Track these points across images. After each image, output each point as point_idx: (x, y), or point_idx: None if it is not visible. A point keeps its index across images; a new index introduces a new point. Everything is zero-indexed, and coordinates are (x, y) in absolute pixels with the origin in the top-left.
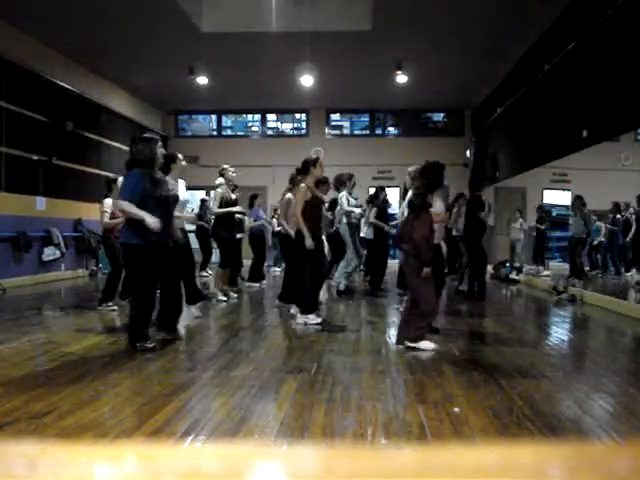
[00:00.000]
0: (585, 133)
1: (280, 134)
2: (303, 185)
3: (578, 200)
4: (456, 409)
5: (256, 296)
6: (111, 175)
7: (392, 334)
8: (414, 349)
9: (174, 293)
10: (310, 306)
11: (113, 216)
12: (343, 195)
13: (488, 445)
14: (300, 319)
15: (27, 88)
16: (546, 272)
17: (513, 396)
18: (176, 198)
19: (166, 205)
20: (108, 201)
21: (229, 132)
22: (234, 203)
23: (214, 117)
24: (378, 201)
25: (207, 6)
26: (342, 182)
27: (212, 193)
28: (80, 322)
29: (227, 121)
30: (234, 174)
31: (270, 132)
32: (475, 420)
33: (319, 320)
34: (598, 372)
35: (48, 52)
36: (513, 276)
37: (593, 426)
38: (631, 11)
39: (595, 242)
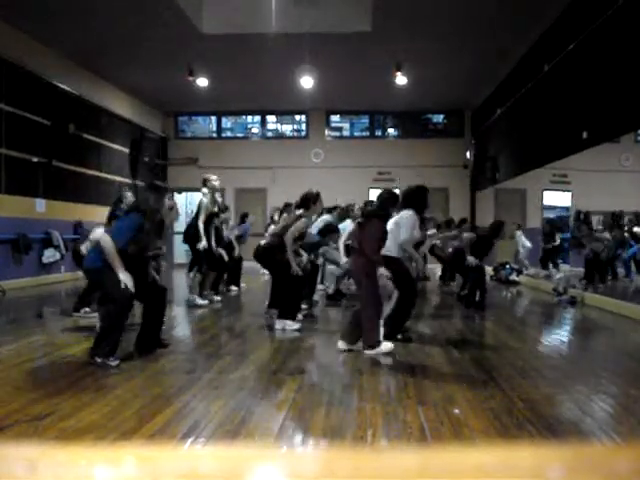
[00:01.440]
0: (585, 134)
1: (280, 136)
2: (304, 219)
3: (614, 220)
4: (456, 410)
5: (255, 299)
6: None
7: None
8: (376, 356)
9: (156, 313)
10: (288, 312)
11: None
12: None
13: (488, 446)
14: (278, 324)
15: (26, 89)
16: (559, 275)
17: (513, 397)
18: (157, 256)
19: (143, 263)
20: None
21: (229, 134)
22: (216, 215)
23: (214, 118)
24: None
25: (207, 7)
26: (348, 210)
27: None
28: (80, 324)
29: (227, 122)
30: (217, 182)
31: (270, 134)
32: (475, 421)
33: (298, 326)
34: (598, 373)
35: (48, 53)
36: (513, 277)
37: (593, 427)
38: (631, 11)
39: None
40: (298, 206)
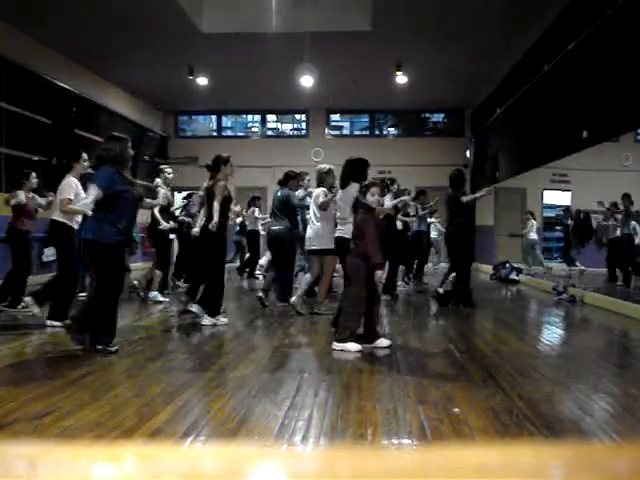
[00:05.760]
0: (585, 133)
1: (280, 135)
2: (222, 182)
3: (627, 199)
4: (456, 409)
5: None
6: (25, 170)
7: (388, 334)
8: (341, 351)
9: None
10: (218, 307)
11: (19, 210)
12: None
13: (488, 445)
14: (207, 320)
15: (27, 88)
16: (578, 268)
17: (513, 396)
18: (141, 198)
19: (134, 205)
20: (20, 194)
21: (229, 132)
22: (171, 204)
23: (214, 117)
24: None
25: (207, 6)
26: (292, 177)
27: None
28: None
29: (227, 121)
30: (170, 175)
31: (270, 133)
32: (475, 420)
33: (227, 320)
34: (598, 372)
35: (48, 52)
36: (513, 276)
37: (593, 426)
38: (631, 11)
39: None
40: (209, 168)
